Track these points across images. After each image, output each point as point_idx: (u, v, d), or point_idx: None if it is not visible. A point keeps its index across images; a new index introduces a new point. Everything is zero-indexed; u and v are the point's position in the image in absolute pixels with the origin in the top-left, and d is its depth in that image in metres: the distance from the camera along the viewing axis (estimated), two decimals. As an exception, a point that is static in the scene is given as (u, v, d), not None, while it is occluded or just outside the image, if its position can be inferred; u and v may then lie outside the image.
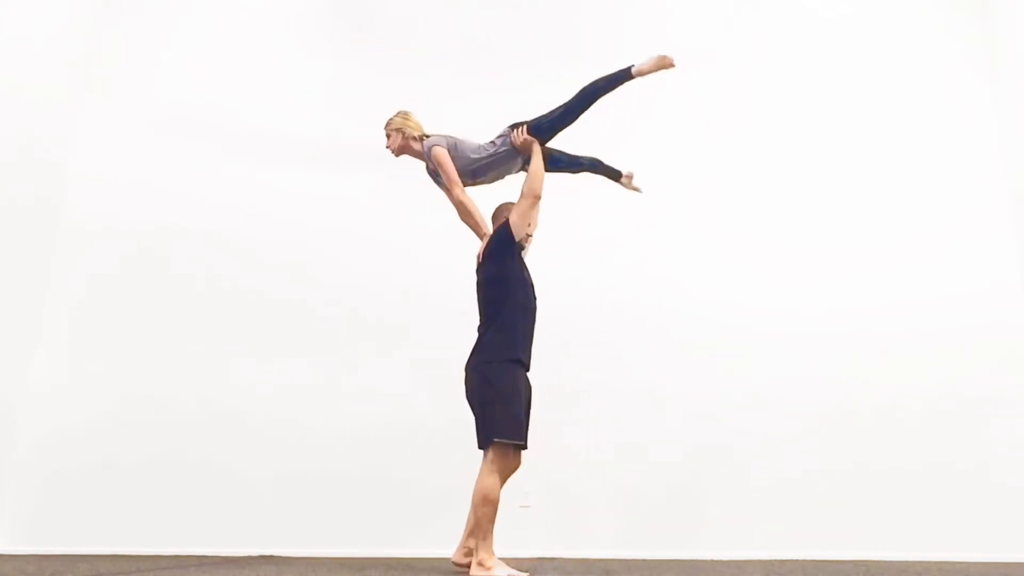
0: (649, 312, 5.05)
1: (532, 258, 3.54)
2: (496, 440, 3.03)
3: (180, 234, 5.14)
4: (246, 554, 4.46)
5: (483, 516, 3.00)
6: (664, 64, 3.64)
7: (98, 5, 5.51)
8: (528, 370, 3.26)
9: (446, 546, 4.17)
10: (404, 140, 3.63)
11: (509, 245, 3.29)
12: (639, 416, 4.86)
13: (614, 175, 3.98)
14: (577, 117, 3.60)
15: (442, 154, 3.50)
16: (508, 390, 3.08)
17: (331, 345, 4.97)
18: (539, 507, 4.59)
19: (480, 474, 3.07)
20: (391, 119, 3.66)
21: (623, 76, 3.64)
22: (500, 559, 3.06)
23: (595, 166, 3.93)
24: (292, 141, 5.35)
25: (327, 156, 5.34)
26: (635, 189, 4.03)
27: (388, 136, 3.66)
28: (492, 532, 3.05)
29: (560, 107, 3.59)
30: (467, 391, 3.23)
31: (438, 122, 5.39)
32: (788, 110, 5.47)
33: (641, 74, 3.65)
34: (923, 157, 5.37)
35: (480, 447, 3.14)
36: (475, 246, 3.51)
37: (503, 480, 3.07)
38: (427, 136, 3.65)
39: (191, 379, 4.88)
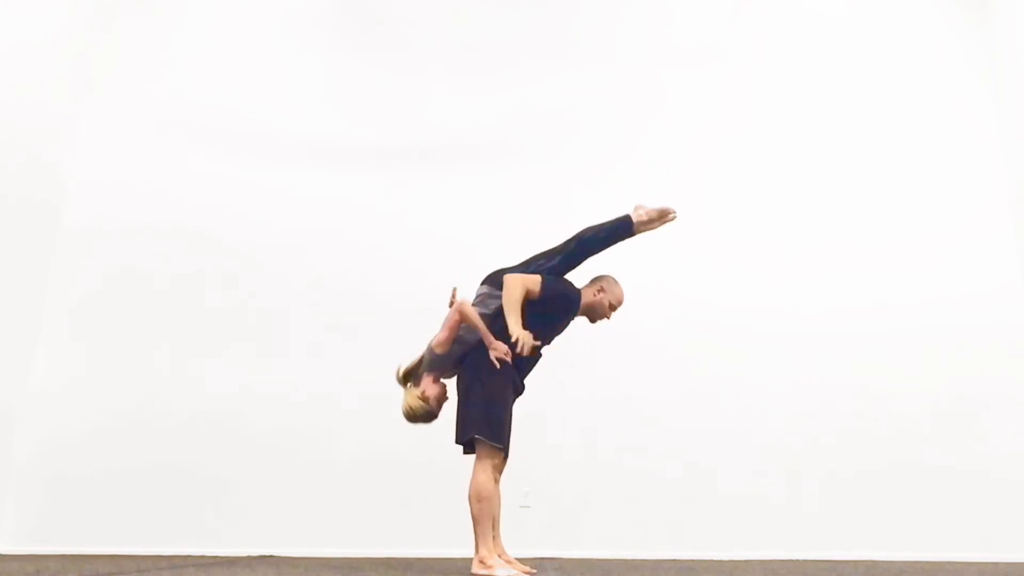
0: (649, 313, 5.03)
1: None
2: (477, 438, 3.05)
3: (180, 235, 5.14)
4: (246, 554, 4.46)
5: (478, 513, 3.00)
6: (666, 217, 3.34)
7: (98, 5, 5.51)
8: (518, 395, 3.26)
9: (446, 546, 4.18)
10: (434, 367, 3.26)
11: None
12: (639, 416, 4.86)
13: (624, 228, 3.35)
14: (577, 265, 3.34)
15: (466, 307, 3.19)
16: (497, 396, 3.10)
17: (331, 346, 4.97)
18: (539, 507, 4.59)
19: (472, 473, 3.07)
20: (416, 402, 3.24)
21: (625, 225, 3.33)
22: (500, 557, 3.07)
23: (599, 237, 3.36)
24: (292, 142, 5.35)
25: (328, 156, 5.34)
26: (667, 214, 3.36)
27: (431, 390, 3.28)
28: (490, 529, 3.04)
29: (557, 255, 3.30)
30: (458, 385, 3.24)
31: (439, 121, 5.43)
32: (788, 111, 5.47)
33: (641, 216, 3.31)
34: (924, 158, 5.37)
35: (457, 442, 3.16)
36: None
37: (496, 476, 3.08)
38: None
39: (191, 380, 4.88)
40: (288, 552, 4.47)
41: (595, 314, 3.38)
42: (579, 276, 3.38)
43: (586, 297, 3.32)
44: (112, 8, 5.57)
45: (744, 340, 5.00)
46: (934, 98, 5.49)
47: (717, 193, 5.30)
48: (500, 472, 3.18)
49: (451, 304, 3.27)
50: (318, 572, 3.32)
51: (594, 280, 3.40)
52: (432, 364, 3.25)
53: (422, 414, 3.24)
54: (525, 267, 3.29)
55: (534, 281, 3.13)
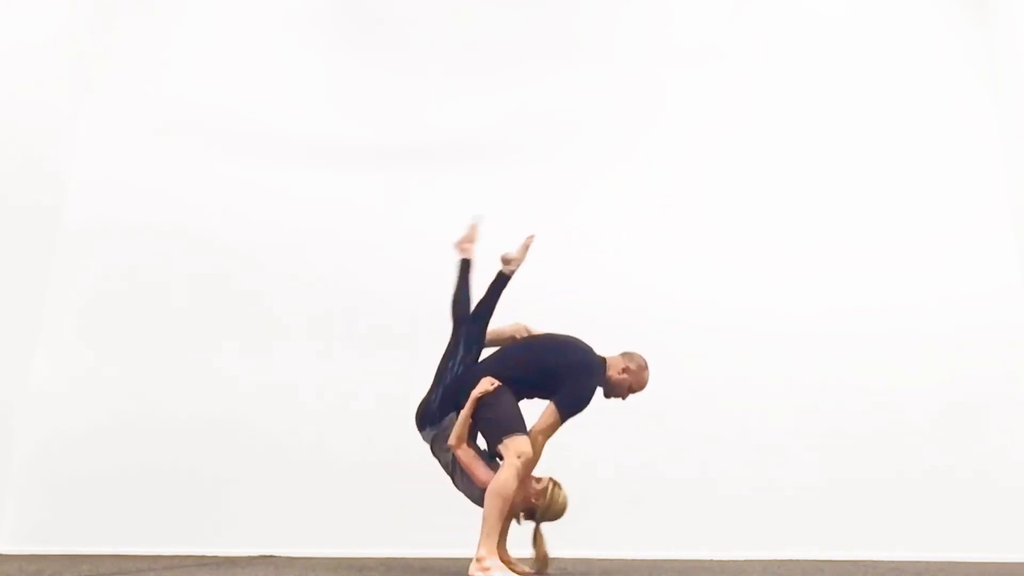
0: (648, 314, 5.04)
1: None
2: (505, 439, 3.00)
3: (180, 235, 5.14)
4: (246, 554, 4.46)
5: (491, 511, 2.92)
6: (527, 244, 3.47)
7: (98, 5, 5.51)
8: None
9: (446, 546, 4.18)
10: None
11: None
12: (639, 416, 4.84)
13: (502, 282, 3.40)
14: (483, 342, 3.37)
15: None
16: (504, 402, 3.10)
17: (331, 346, 4.97)
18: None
19: (500, 470, 3.00)
20: None
21: (502, 281, 3.40)
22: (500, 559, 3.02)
23: (487, 305, 3.38)
24: (293, 142, 5.36)
25: (328, 156, 5.34)
26: (527, 245, 3.47)
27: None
28: (498, 529, 2.97)
29: (458, 348, 3.32)
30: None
31: (439, 121, 5.43)
32: (788, 111, 5.47)
33: (512, 269, 3.40)
34: (924, 158, 5.37)
35: (491, 453, 3.12)
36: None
37: (520, 475, 2.98)
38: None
39: (191, 380, 4.88)
40: (288, 552, 4.47)
41: (611, 391, 3.31)
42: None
43: (610, 371, 3.25)
44: (112, 8, 5.57)
45: (744, 340, 5.00)
46: (934, 98, 5.48)
47: (717, 193, 5.30)
48: (530, 470, 3.09)
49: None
50: (318, 572, 3.32)
51: (625, 355, 3.34)
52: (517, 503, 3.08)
53: (556, 502, 3.09)
54: (438, 382, 3.24)
55: (555, 423, 3.08)
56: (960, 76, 5.55)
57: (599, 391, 3.29)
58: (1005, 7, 5.47)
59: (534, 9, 5.69)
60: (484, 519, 2.95)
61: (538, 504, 3.06)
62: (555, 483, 3.11)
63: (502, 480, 2.94)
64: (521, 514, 3.12)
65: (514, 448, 2.98)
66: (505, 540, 3.20)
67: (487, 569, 2.87)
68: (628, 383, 3.28)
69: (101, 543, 4.52)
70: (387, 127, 5.40)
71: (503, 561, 3.16)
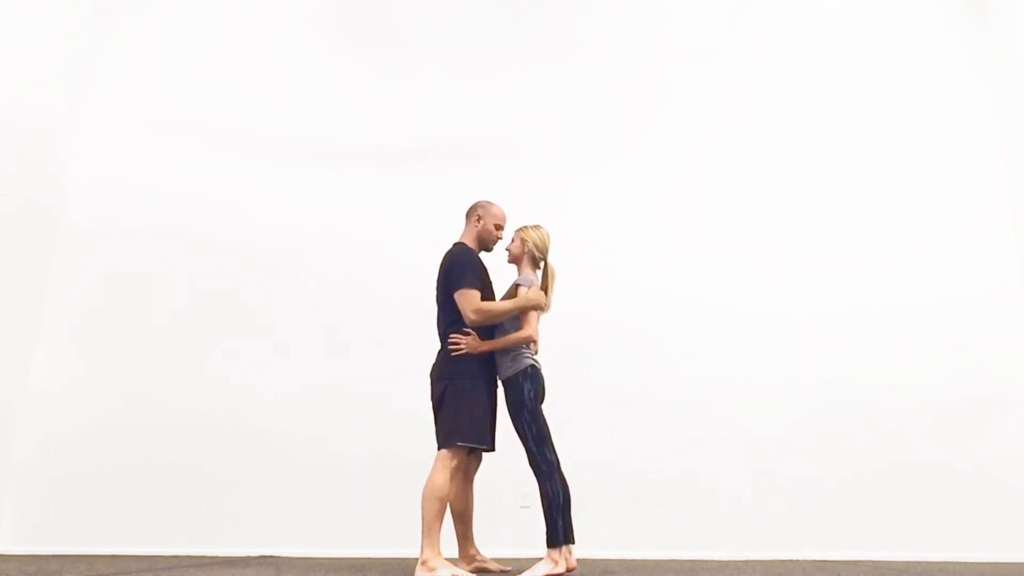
0: (648, 314, 5.05)
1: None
2: (459, 444, 3.10)
3: (180, 235, 5.14)
4: (246, 554, 4.46)
5: (429, 512, 3.00)
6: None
7: (98, 5, 5.51)
8: (494, 383, 3.36)
9: (446, 547, 4.18)
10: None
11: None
12: (638, 417, 4.86)
13: None
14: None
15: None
16: (473, 399, 3.18)
17: (331, 346, 4.97)
18: (539, 507, 4.57)
19: (432, 471, 3.09)
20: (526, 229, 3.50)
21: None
22: (446, 557, 3.08)
23: None
24: (293, 142, 5.36)
25: (328, 156, 5.34)
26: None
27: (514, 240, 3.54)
28: (439, 530, 3.03)
29: None
30: (433, 395, 3.29)
31: (439, 121, 5.43)
32: (789, 111, 5.47)
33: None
34: (924, 158, 5.37)
35: (440, 448, 3.19)
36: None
37: (456, 475, 3.15)
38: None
39: (191, 380, 4.89)
40: (288, 552, 4.47)
41: (489, 244, 3.49)
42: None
43: (465, 238, 3.45)
44: (112, 8, 5.57)
45: (744, 340, 5.00)
46: (934, 98, 5.49)
47: (717, 193, 5.30)
48: (475, 470, 3.33)
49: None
50: (318, 572, 3.32)
51: (470, 211, 3.50)
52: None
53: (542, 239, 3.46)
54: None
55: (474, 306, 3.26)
56: (960, 76, 5.55)
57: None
58: (1005, 7, 5.47)
59: (534, 9, 5.69)
60: (422, 521, 3.02)
61: (540, 255, 3.41)
62: (523, 234, 3.43)
63: (437, 483, 3.03)
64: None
65: (449, 458, 3.10)
66: (472, 538, 3.38)
67: (433, 569, 2.93)
68: (487, 226, 3.44)
69: (100, 543, 4.53)
70: (387, 127, 5.40)
71: (474, 559, 3.35)
